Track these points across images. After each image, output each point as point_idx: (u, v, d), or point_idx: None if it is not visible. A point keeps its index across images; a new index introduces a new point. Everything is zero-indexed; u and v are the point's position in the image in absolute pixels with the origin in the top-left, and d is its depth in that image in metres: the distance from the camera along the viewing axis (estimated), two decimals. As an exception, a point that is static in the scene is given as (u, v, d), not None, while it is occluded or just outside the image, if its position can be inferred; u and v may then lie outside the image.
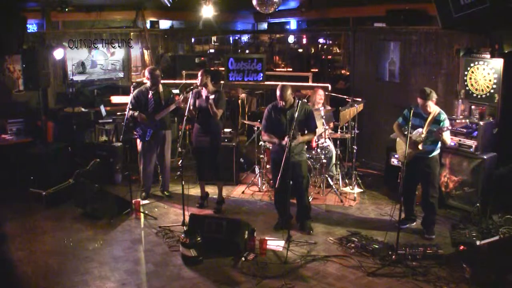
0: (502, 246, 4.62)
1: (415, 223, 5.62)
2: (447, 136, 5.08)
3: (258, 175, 6.90)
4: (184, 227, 5.30)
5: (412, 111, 4.96)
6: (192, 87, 5.81)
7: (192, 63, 9.57)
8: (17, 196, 6.34)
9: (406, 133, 4.99)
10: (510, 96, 5.92)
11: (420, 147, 5.11)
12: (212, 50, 13.38)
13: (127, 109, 5.98)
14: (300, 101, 5.12)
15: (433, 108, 5.10)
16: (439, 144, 5.23)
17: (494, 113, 5.97)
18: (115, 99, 8.17)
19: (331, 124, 6.91)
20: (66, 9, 7.75)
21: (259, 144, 6.83)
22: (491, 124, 5.88)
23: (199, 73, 5.88)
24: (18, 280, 4.30)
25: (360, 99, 6.90)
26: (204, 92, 5.89)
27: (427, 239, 5.26)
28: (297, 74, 8.88)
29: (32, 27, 8.17)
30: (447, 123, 5.05)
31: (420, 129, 5.15)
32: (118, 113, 7.68)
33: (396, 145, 5.69)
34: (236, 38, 13.82)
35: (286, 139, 4.98)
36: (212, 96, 5.76)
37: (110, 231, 5.48)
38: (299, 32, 12.91)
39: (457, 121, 5.17)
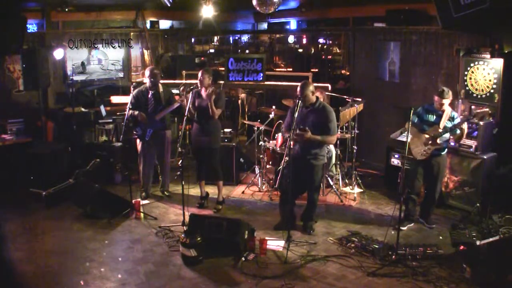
0: (502, 246, 4.61)
1: (413, 223, 5.64)
2: (466, 126, 5.24)
3: (258, 175, 6.89)
4: (184, 227, 5.30)
5: (425, 109, 5.34)
6: (192, 87, 5.80)
7: (192, 63, 9.55)
8: (17, 196, 6.34)
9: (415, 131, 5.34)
10: (510, 96, 5.92)
11: (438, 141, 5.24)
12: (212, 50, 13.36)
13: (127, 109, 5.99)
14: (319, 102, 5.16)
15: (447, 106, 5.27)
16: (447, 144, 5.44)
17: (494, 113, 5.97)
18: (115, 99, 8.16)
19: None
20: (66, 9, 7.75)
21: (259, 144, 6.83)
22: (491, 124, 5.88)
23: (200, 74, 5.87)
24: (18, 280, 4.29)
25: (360, 99, 6.91)
26: (203, 92, 5.89)
27: (428, 229, 5.47)
28: (297, 74, 8.86)
29: (32, 27, 8.18)
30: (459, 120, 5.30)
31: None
32: (118, 113, 7.68)
33: (410, 144, 5.39)
34: (236, 38, 13.80)
35: (285, 135, 4.98)
36: (213, 97, 5.76)
37: (110, 231, 5.48)
38: (299, 32, 12.90)
39: (478, 111, 5.43)
